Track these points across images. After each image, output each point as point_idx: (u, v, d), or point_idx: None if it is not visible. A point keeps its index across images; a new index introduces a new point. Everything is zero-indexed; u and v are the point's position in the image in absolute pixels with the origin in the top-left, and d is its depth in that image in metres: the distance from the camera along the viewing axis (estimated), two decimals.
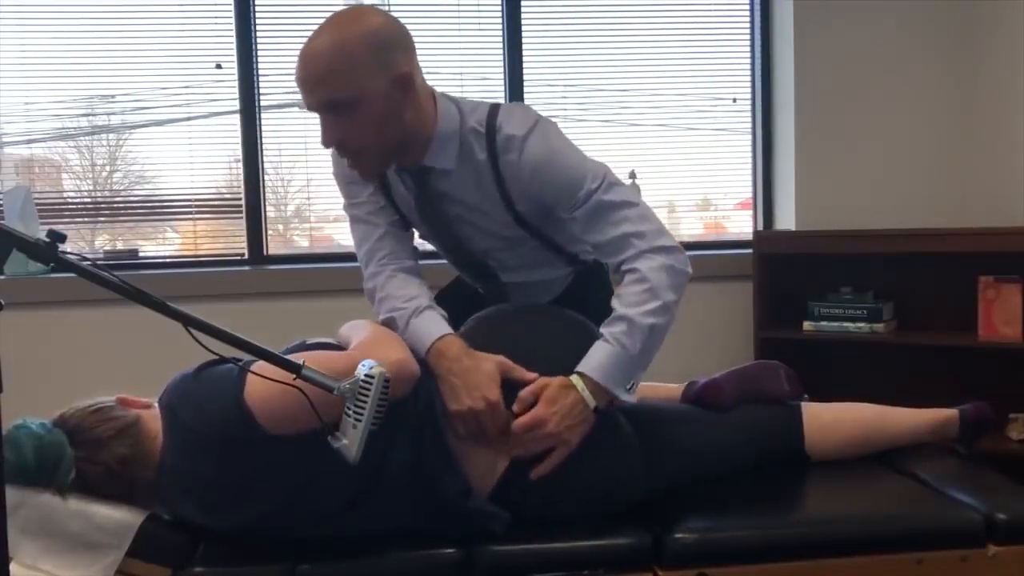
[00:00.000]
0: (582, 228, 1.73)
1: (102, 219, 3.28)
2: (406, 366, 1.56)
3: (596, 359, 1.65)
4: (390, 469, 1.60)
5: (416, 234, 1.95)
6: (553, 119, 1.78)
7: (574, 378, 1.64)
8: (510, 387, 1.64)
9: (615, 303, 1.68)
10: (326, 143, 1.65)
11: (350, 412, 1.34)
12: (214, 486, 1.56)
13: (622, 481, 1.72)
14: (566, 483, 1.65)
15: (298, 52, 1.61)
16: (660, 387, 2.04)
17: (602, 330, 1.68)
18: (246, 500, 1.56)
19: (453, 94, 1.80)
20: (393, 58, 1.61)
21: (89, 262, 1.22)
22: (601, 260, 1.77)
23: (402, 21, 1.67)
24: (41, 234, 1.19)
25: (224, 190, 3.30)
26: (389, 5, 3.22)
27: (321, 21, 1.63)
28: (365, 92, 1.59)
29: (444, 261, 2.04)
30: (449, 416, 1.63)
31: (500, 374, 1.64)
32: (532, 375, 1.65)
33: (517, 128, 1.69)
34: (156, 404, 1.65)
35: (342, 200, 1.90)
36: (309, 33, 1.62)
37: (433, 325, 1.71)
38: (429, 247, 2.02)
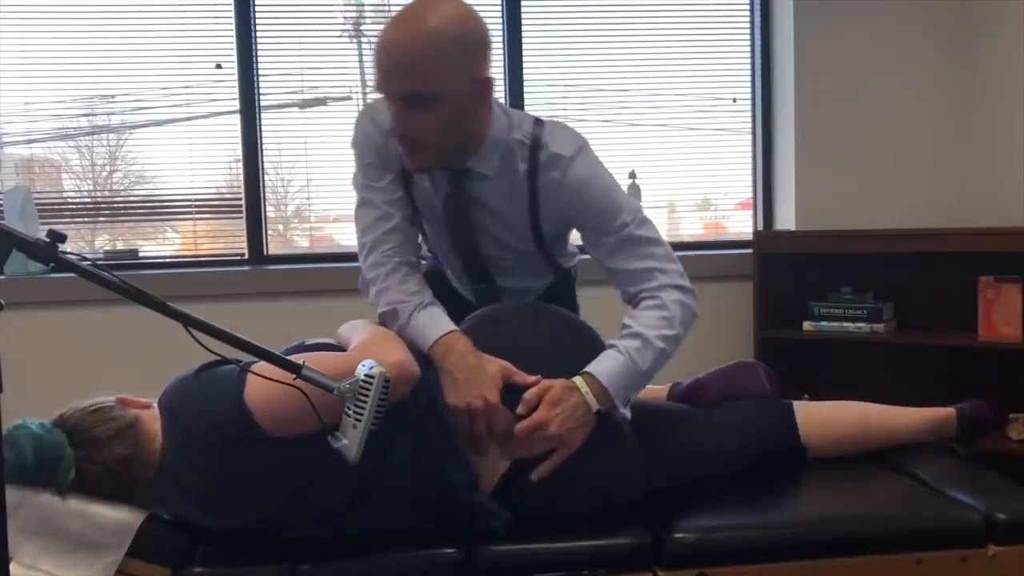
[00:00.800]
0: (607, 254, 1.76)
1: (102, 219, 3.28)
2: (406, 367, 1.56)
3: (606, 365, 1.67)
4: (390, 469, 1.59)
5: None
6: (553, 119, 1.79)
7: (578, 380, 1.64)
8: (513, 390, 1.64)
9: (629, 321, 1.72)
10: (394, 133, 1.65)
11: (350, 412, 1.34)
12: (214, 486, 1.55)
13: (623, 481, 1.72)
14: (567, 484, 1.65)
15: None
16: (646, 388, 2.05)
17: (614, 342, 1.70)
18: (246, 500, 1.56)
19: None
20: (479, 61, 1.62)
21: (89, 262, 1.22)
22: (618, 286, 1.80)
23: None
24: (41, 234, 1.19)
25: (224, 190, 3.29)
26: (390, 6, 3.23)
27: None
28: (448, 91, 1.59)
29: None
30: (447, 409, 1.63)
31: (502, 378, 1.64)
32: (533, 379, 1.65)
33: (564, 148, 1.72)
34: (156, 405, 1.65)
35: (351, 179, 1.87)
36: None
37: (440, 320, 1.72)
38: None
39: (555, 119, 1.80)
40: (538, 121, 1.76)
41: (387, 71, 1.59)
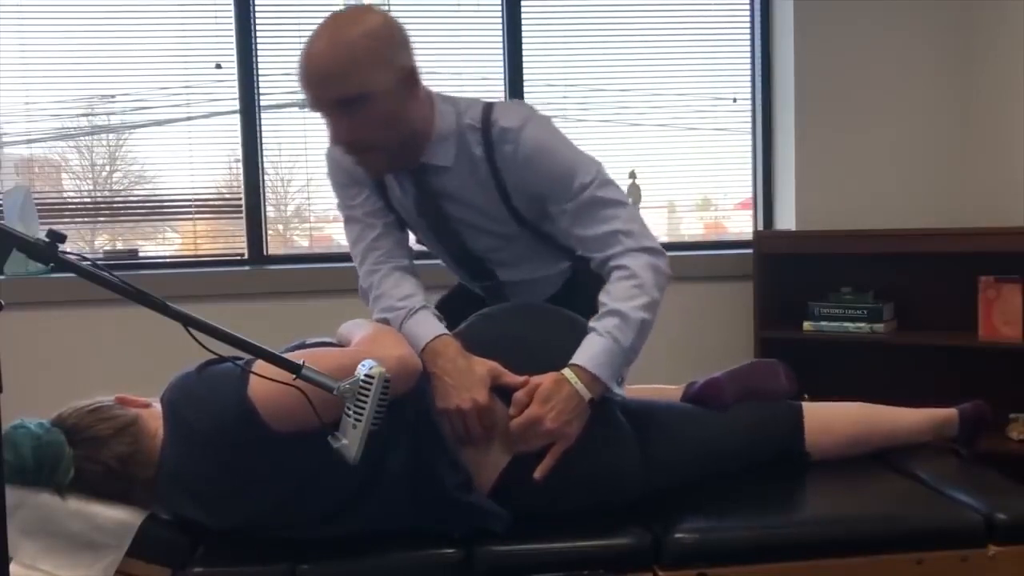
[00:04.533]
0: (571, 220, 1.75)
1: (102, 219, 3.28)
2: (408, 362, 1.57)
3: (590, 351, 1.66)
4: (389, 468, 1.60)
5: (412, 237, 1.95)
6: (553, 119, 1.80)
7: (566, 372, 1.65)
8: (507, 390, 1.65)
9: (603, 298, 1.70)
10: (335, 142, 1.67)
11: (350, 412, 1.34)
12: (214, 483, 1.56)
13: (620, 476, 1.72)
14: (565, 478, 1.65)
15: (299, 52, 1.62)
16: (660, 388, 2.04)
17: (593, 324, 1.70)
18: (246, 497, 1.56)
19: (452, 94, 1.82)
20: (397, 54, 1.65)
21: (89, 262, 1.22)
22: (585, 254, 1.79)
23: (402, 22, 1.69)
24: (41, 234, 1.19)
25: (224, 190, 3.30)
26: (389, 5, 3.22)
27: (321, 20, 1.64)
28: (373, 89, 1.61)
29: (438, 261, 2.04)
30: (436, 413, 1.64)
31: (491, 379, 1.65)
32: (522, 379, 1.66)
33: (512, 121, 1.72)
34: (156, 403, 1.65)
35: (336, 202, 1.91)
36: (309, 33, 1.63)
37: (428, 325, 1.72)
38: (424, 249, 2.02)
39: (512, 100, 1.81)
40: (487, 104, 1.78)
41: (313, 84, 1.62)
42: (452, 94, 1.81)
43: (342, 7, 1.70)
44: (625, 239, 1.71)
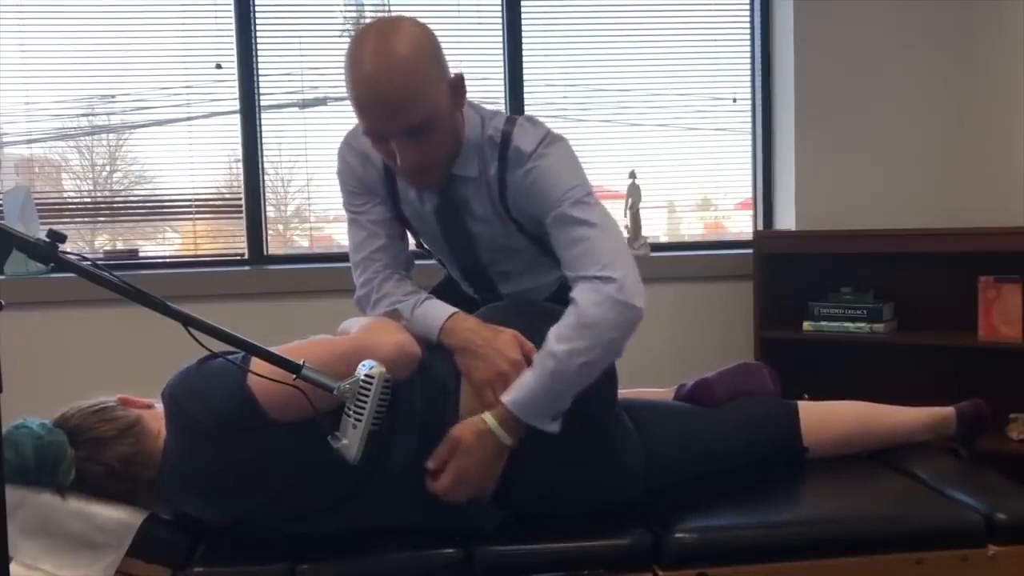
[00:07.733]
0: (553, 239, 1.69)
1: (102, 219, 3.28)
2: (407, 347, 1.57)
3: (522, 392, 1.58)
4: (391, 462, 1.60)
5: (413, 244, 1.95)
6: (553, 119, 1.78)
7: (487, 417, 1.57)
8: (433, 440, 1.60)
9: (550, 335, 1.59)
10: (404, 168, 1.62)
11: (350, 413, 1.34)
12: (214, 475, 1.56)
13: (624, 475, 1.72)
14: (571, 477, 1.66)
15: (348, 64, 1.54)
16: (650, 391, 2.05)
17: (535, 358, 1.61)
18: (246, 487, 1.57)
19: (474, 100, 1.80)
20: (445, 67, 1.62)
21: (89, 262, 1.22)
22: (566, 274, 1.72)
23: None
24: (41, 234, 1.19)
25: (224, 190, 3.30)
26: (389, 5, 3.22)
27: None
28: (436, 109, 1.58)
29: (433, 261, 2.05)
30: (475, 387, 1.63)
31: (518, 342, 1.64)
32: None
33: (527, 143, 1.69)
34: (157, 403, 1.66)
35: (341, 199, 1.90)
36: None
37: (441, 307, 1.73)
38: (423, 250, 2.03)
39: (529, 116, 1.79)
40: (509, 118, 1.75)
41: (381, 113, 1.55)
42: (475, 101, 1.79)
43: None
44: (590, 266, 1.59)
